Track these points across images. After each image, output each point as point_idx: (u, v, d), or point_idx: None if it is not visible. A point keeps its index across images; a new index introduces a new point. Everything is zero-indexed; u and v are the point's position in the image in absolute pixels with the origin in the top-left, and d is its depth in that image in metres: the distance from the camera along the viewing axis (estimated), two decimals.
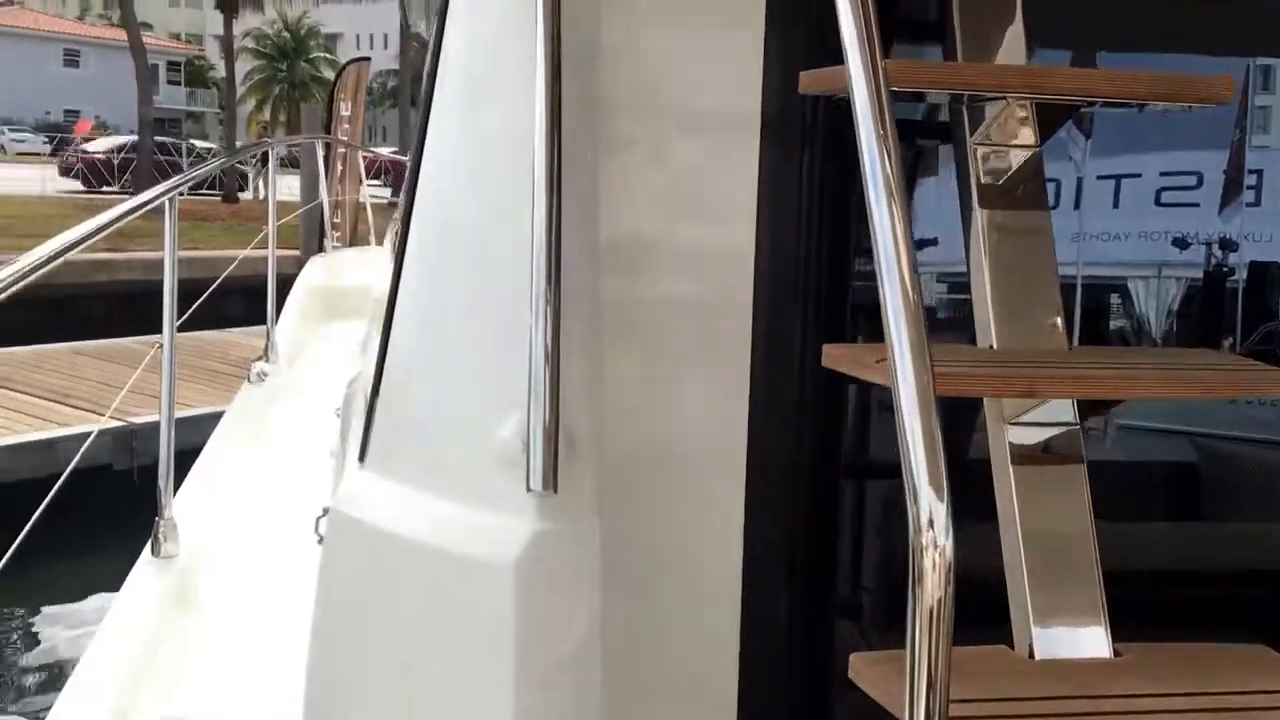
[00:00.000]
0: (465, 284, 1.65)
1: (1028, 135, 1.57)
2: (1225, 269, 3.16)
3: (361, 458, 1.67)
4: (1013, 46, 1.62)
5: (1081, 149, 2.84)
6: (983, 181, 1.55)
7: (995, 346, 1.51)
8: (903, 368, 1.06)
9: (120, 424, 8.27)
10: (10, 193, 24.57)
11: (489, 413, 1.49)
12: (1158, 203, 2.95)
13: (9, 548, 2.82)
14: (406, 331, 1.69)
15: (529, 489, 1.38)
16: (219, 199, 26.21)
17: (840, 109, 1.62)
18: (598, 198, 1.60)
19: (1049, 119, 1.59)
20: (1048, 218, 1.58)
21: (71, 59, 63.88)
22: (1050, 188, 3.04)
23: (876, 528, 1.98)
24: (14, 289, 1.75)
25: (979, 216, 1.54)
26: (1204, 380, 1.46)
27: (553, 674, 1.44)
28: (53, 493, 3.02)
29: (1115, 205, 2.98)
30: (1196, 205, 3.06)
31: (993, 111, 1.54)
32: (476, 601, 1.45)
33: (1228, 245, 3.07)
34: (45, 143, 43.02)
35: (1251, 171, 3.05)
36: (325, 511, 1.70)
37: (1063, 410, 1.48)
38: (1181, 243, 3.04)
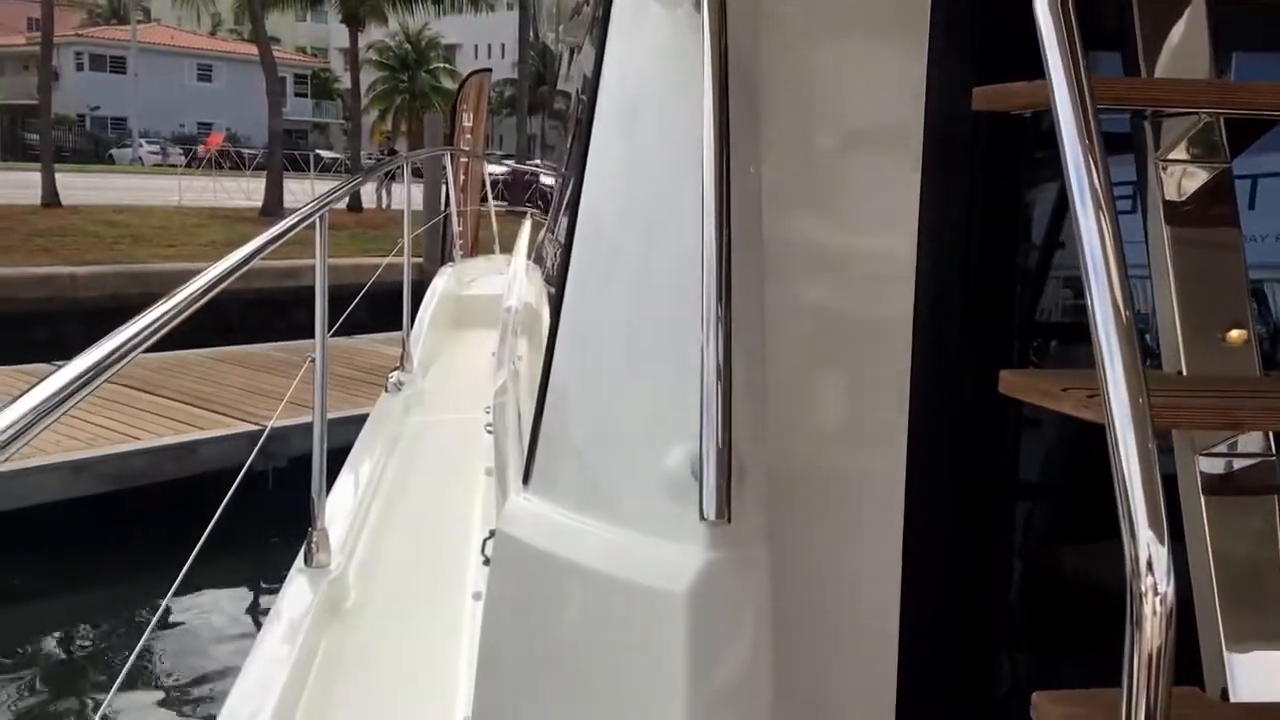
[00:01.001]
0: (628, 305, 1.63)
1: (1217, 150, 1.53)
2: None
3: (526, 480, 1.66)
4: (1198, 55, 1.57)
5: None
6: (1168, 199, 1.51)
7: (1185, 372, 1.47)
8: (1118, 400, 1.02)
9: (256, 427, 8.59)
10: (152, 203, 25.60)
11: (656, 437, 1.47)
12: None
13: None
14: (569, 353, 1.68)
15: (702, 517, 1.35)
16: (344, 208, 26.88)
17: (1005, 125, 1.61)
18: (762, 210, 1.59)
19: (1241, 133, 1.54)
20: (1239, 235, 1.53)
21: (204, 73, 66.19)
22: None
23: (1041, 557, 1.93)
24: (193, 309, 1.81)
25: (1165, 234, 1.50)
26: None
27: (723, 704, 1.42)
28: (230, 495, 3.11)
29: (1251, 206, 2.91)
30: None
31: (1181, 126, 1.50)
32: (648, 630, 1.42)
33: None
34: (181, 154, 44.63)
35: None
36: (492, 534, 1.68)
37: (1255, 440, 1.43)
38: None
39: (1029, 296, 1.88)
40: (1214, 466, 1.42)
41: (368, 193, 28.50)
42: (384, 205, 28.61)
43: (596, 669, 1.48)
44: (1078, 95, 1.12)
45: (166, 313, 1.70)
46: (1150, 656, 0.96)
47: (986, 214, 1.71)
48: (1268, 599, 1.40)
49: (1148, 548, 0.97)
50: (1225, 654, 1.36)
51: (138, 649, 3.09)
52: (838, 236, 1.68)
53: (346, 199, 27.00)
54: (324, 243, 3.15)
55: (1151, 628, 0.96)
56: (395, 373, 5.66)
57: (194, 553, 2.76)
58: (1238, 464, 1.43)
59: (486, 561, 1.71)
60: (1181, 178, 1.52)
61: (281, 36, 65.07)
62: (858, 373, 1.66)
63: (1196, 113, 1.47)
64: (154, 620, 3.06)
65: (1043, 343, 1.95)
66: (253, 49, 33.40)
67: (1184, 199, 1.51)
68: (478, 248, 11.88)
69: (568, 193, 1.85)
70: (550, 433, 1.66)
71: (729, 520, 1.35)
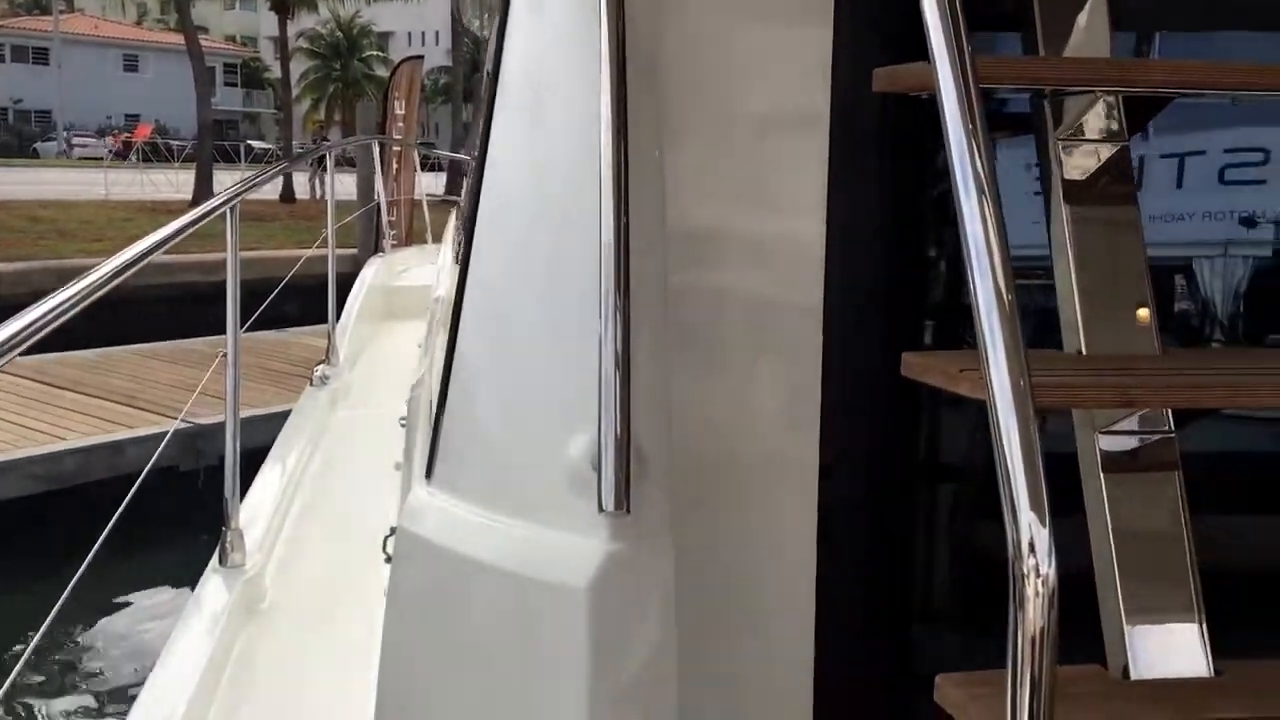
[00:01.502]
0: (532, 292, 1.60)
1: (1115, 128, 1.52)
2: None
3: (428, 474, 1.64)
4: (1096, 35, 1.57)
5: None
6: (1067, 177, 1.51)
7: (1084, 351, 1.47)
8: (999, 379, 1.01)
9: (187, 425, 8.43)
10: (77, 198, 25.07)
11: (559, 428, 1.45)
12: (1222, 180, 2.89)
13: (84, 547, 2.87)
14: (472, 343, 1.65)
15: (601, 509, 1.34)
16: (276, 199, 26.52)
17: (913, 108, 1.59)
18: (664, 198, 1.57)
19: (1138, 111, 1.53)
20: (1137, 213, 1.53)
21: (131, 64, 64.93)
22: None
23: (956, 539, 1.93)
24: (89, 301, 1.76)
25: (1064, 213, 1.50)
26: None
27: (626, 696, 1.42)
28: (131, 493, 3.05)
29: (1179, 185, 2.92)
30: (1263, 183, 3.00)
31: (1079, 106, 1.49)
32: (549, 625, 1.42)
33: None
34: (107, 149, 43.80)
35: None
36: (393, 531, 1.65)
37: (1157, 417, 1.43)
38: (1249, 222, 2.98)
39: (940, 279, 1.87)
40: (1114, 444, 1.42)
41: (301, 183, 28.13)
42: (318, 196, 28.26)
43: (500, 668, 1.46)
44: (960, 76, 1.10)
45: (56, 307, 1.63)
46: (1034, 638, 0.96)
47: (896, 197, 1.70)
48: (1169, 575, 1.40)
49: (1029, 529, 0.97)
50: (1126, 631, 1.37)
51: (31, 647, 3.01)
52: (746, 223, 1.66)
53: (279, 189, 26.62)
54: (235, 235, 3.10)
55: (1034, 609, 0.97)
56: (321, 366, 5.56)
57: (92, 551, 2.70)
58: (1138, 441, 1.43)
59: (389, 559, 1.67)
60: (1080, 157, 1.51)
61: (210, 25, 64.04)
62: (769, 359, 1.65)
63: (1092, 91, 1.46)
64: (48, 621, 2.97)
65: (953, 325, 1.94)
66: (180, 39, 32.85)
67: (1083, 178, 1.51)
68: (412, 237, 11.76)
69: (469, 178, 1.81)
70: (452, 425, 1.63)
71: (628, 511, 1.34)
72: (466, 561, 1.50)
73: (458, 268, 1.73)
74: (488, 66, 1.80)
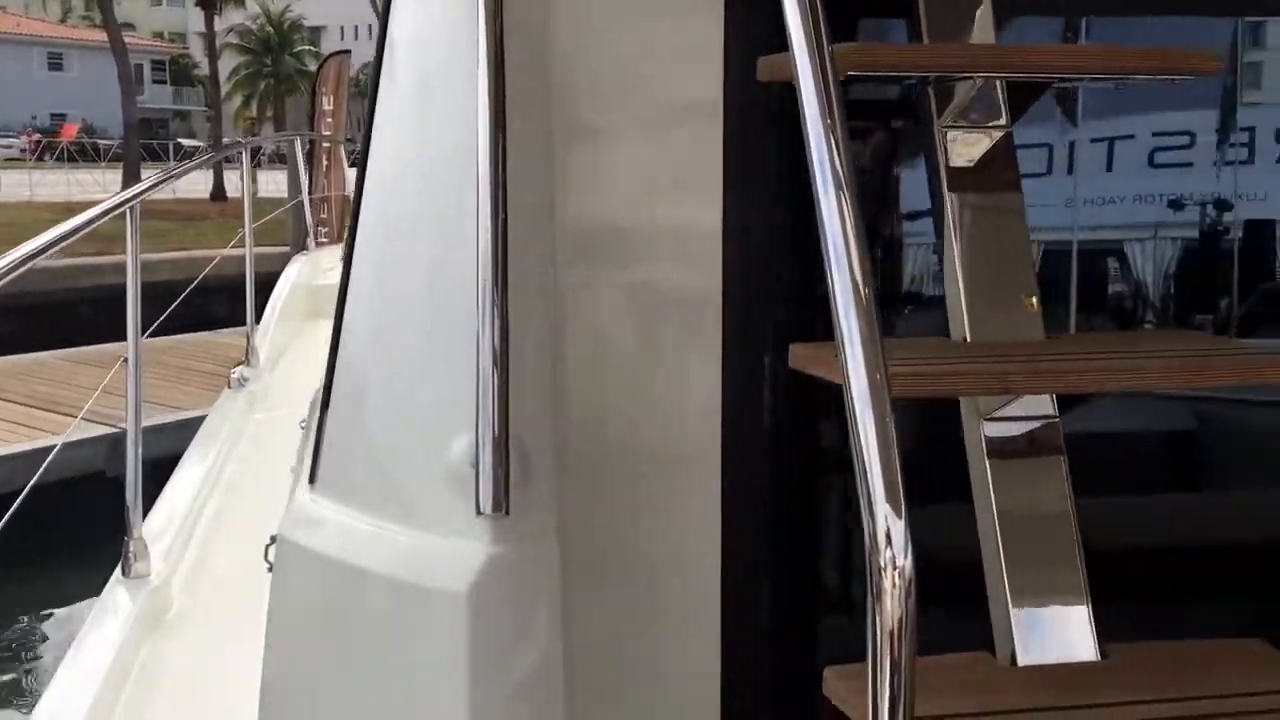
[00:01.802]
0: (416, 290, 1.57)
1: (998, 115, 1.51)
2: (1221, 229, 3.12)
3: (311, 479, 1.59)
4: (982, 21, 1.56)
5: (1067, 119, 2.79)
6: (952, 165, 1.50)
7: (969, 339, 1.46)
8: (854, 372, 1.00)
9: (116, 430, 8.25)
10: (3, 200, 24.53)
11: (441, 429, 1.41)
12: (1151, 164, 2.91)
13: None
14: (355, 342, 1.61)
15: (479, 512, 1.31)
16: (207, 197, 26.13)
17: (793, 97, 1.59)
18: (554, 192, 1.54)
19: (1021, 98, 1.52)
20: (1021, 200, 1.52)
21: (55, 62, 63.64)
22: (1042, 153, 3.01)
23: (861, 528, 1.94)
24: None
25: (949, 201, 1.49)
26: (1194, 367, 1.40)
27: (511, 700, 1.40)
28: (19, 500, 2.95)
29: (1109, 168, 2.93)
30: (1190, 165, 3.02)
31: (962, 93, 1.48)
32: (430, 631, 1.39)
33: (1222, 205, 3.03)
34: (23, 150, 42.87)
35: (1244, 129, 3.01)
36: (273, 539, 1.62)
37: (1041, 402, 1.43)
38: (1177, 204, 3.00)
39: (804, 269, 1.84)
40: (998, 431, 1.42)
41: (234, 181, 27.72)
42: (252, 194, 27.88)
43: (382, 677, 1.43)
44: (818, 68, 1.08)
45: None
46: (892, 631, 0.96)
47: (791, 187, 1.66)
48: (1054, 560, 1.41)
49: (885, 521, 0.97)
50: (1013, 617, 1.37)
51: None
52: (643, 215, 1.63)
53: (210, 187, 26.23)
54: (135, 236, 3.05)
55: (891, 601, 0.96)
56: (239, 368, 5.40)
57: None
58: (1022, 428, 1.43)
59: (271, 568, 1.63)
60: (964, 144, 1.51)
61: (137, 22, 62.97)
62: (670, 351, 1.63)
63: (970, 78, 1.44)
64: None
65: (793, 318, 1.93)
66: (106, 36, 32.20)
67: (966, 165, 1.50)
68: (344, 234, 11.60)
69: (356, 174, 1.76)
70: (336, 428, 1.59)
71: (507, 513, 1.31)
72: (346, 569, 1.47)
73: (342, 263, 1.68)
74: (374, 55, 1.74)
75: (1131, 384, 1.44)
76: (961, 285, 1.45)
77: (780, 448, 1.68)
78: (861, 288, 1.03)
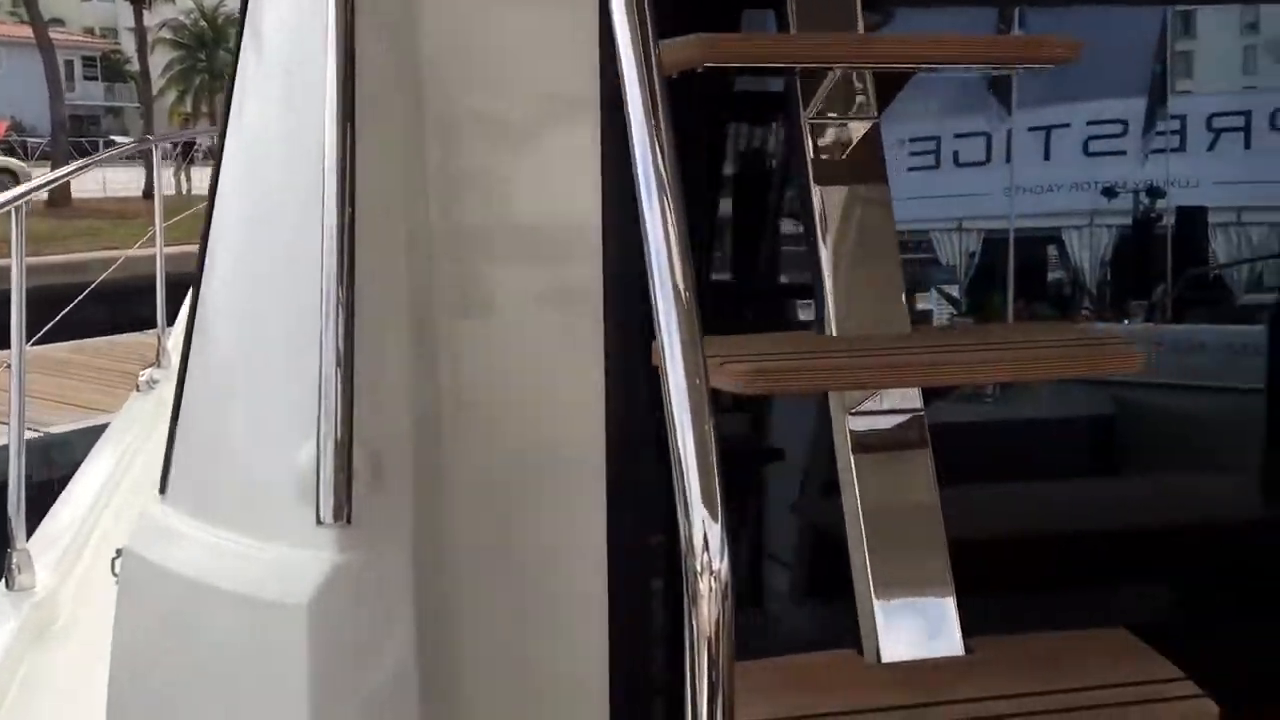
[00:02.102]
0: (266, 290, 1.50)
1: (865, 106, 1.49)
2: (1154, 216, 3.19)
3: (162, 490, 1.54)
4: (848, 12, 1.55)
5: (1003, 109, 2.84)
6: (819, 157, 1.48)
7: (834, 333, 1.45)
8: (674, 374, 0.99)
9: (38, 435, 8.09)
10: None
11: (289, 435, 1.35)
12: (1086, 152, 2.97)
13: None
14: (207, 344, 1.55)
15: (319, 521, 1.26)
16: (139, 195, 25.72)
17: (686, 88, 1.53)
18: (423, 187, 1.50)
19: (886, 89, 1.51)
20: (887, 192, 1.50)
21: None
22: (980, 141, 3.06)
23: (752, 522, 1.93)
24: None
25: (816, 195, 1.46)
26: (1043, 359, 1.37)
27: (359, 716, 1.35)
28: None
29: (1046, 157, 2.99)
30: (1124, 153, 3.08)
31: (828, 84, 1.46)
32: (270, 648, 1.34)
33: (1155, 193, 3.10)
34: None
35: (1175, 117, 3.07)
36: (119, 552, 1.55)
37: (907, 396, 1.42)
38: (1110, 192, 3.06)
39: (722, 262, 1.87)
40: (863, 425, 1.41)
41: (166, 179, 27.29)
42: (184, 191, 27.49)
43: (228, 693, 1.38)
44: (643, 68, 1.05)
45: None
46: (709, 638, 0.94)
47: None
48: (919, 555, 1.39)
49: (701, 525, 0.95)
50: (878, 614, 1.35)
51: None
52: (522, 212, 1.60)
53: (142, 185, 25.80)
54: (21, 237, 2.94)
55: (708, 605, 0.94)
56: (149, 370, 5.17)
57: None
58: (887, 421, 1.41)
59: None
60: (830, 136, 1.49)
61: (67, 18, 61.73)
62: (552, 350, 1.59)
63: (829, 68, 1.43)
64: None
65: (730, 309, 1.94)
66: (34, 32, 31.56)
67: (833, 158, 1.49)
68: None
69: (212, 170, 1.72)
70: (186, 436, 1.54)
71: (348, 522, 1.27)
72: (189, 583, 1.42)
73: (195, 264, 1.61)
74: (234, 38, 1.70)
75: (986, 378, 1.45)
76: (828, 278, 1.44)
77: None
78: (682, 291, 1.02)
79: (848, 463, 1.39)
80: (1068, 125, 2.85)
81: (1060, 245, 3.44)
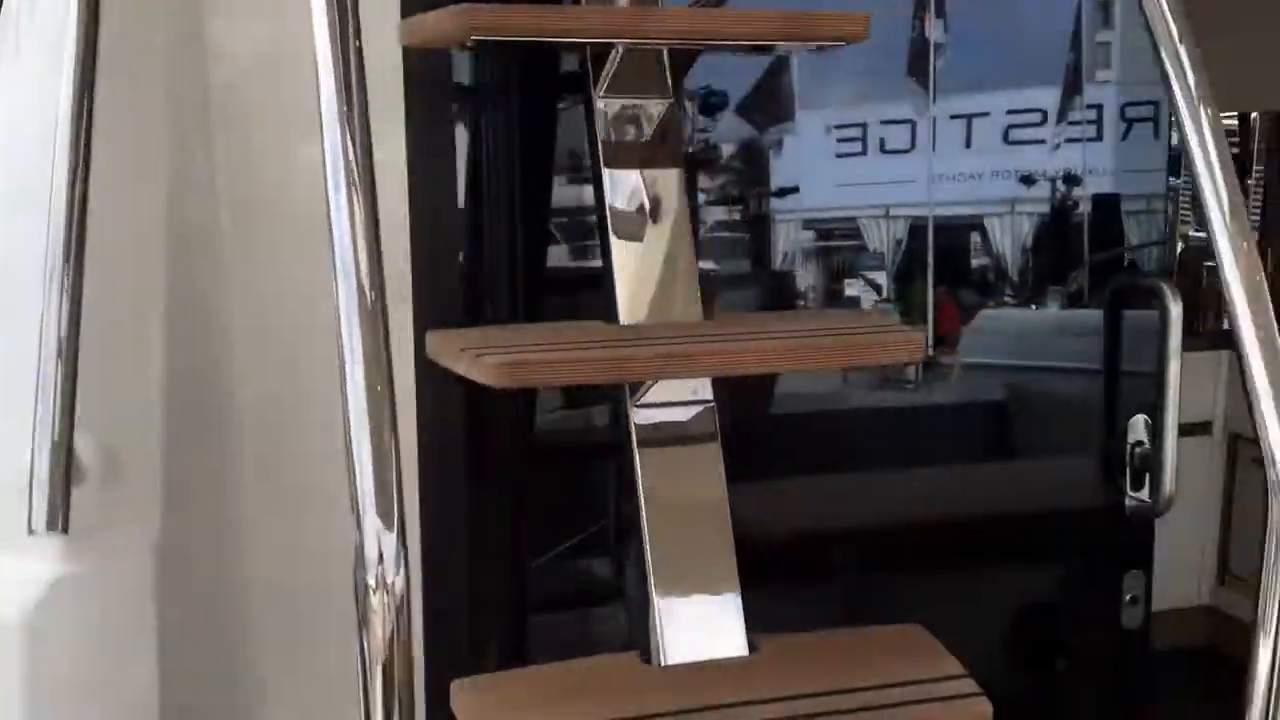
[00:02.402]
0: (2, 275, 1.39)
1: (659, 86, 1.42)
2: (1071, 204, 3.28)
3: None
4: None
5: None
6: (609, 139, 1.40)
7: (623, 321, 1.38)
8: (353, 379, 0.94)
9: None
10: None
11: (12, 437, 1.24)
12: (1006, 141, 3.04)
13: None
14: None
15: (30, 530, 1.16)
16: None
17: (503, 66, 1.52)
18: (210, 176, 1.41)
19: (675, 67, 1.44)
20: (680, 176, 1.43)
21: None
22: (904, 129, 3.13)
23: (566, 522, 1.88)
24: None
25: (606, 178, 1.39)
26: (818, 348, 1.30)
27: None
28: None
29: (968, 145, 3.06)
30: (1042, 142, 3.17)
31: (612, 61, 1.38)
32: None
33: (1072, 180, 3.19)
34: None
35: (1091, 106, 3.16)
36: None
37: (696, 387, 1.36)
38: (1029, 179, 3.14)
39: (533, 249, 1.78)
40: (648, 417, 1.34)
41: None
42: None
43: None
44: (338, 43, 0.98)
45: None
46: (385, 661, 0.89)
47: (477, 162, 1.63)
48: (703, 553, 1.32)
49: (376, 537, 0.90)
50: (659, 614, 1.28)
51: None
52: (314, 201, 1.55)
53: None
54: None
55: (381, 626, 0.88)
56: None
57: None
58: (675, 414, 1.35)
59: None
60: (620, 116, 1.41)
61: None
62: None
63: (612, 44, 1.36)
64: None
65: (541, 297, 1.86)
66: None
67: (624, 139, 1.41)
68: None
69: None
70: None
71: (64, 530, 1.17)
72: None
73: None
74: None
75: (762, 367, 1.38)
76: (616, 265, 1.37)
77: (478, 437, 1.61)
78: (367, 292, 0.96)
79: (633, 457, 1.32)
80: (988, 114, 2.93)
81: (983, 232, 3.53)
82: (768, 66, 2.75)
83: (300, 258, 1.50)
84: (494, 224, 1.67)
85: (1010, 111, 3.07)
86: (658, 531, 1.30)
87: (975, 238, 3.42)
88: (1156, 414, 2.23)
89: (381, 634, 0.88)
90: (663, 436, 1.33)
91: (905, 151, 2.94)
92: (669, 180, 1.42)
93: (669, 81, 1.42)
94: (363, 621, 0.89)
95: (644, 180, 1.41)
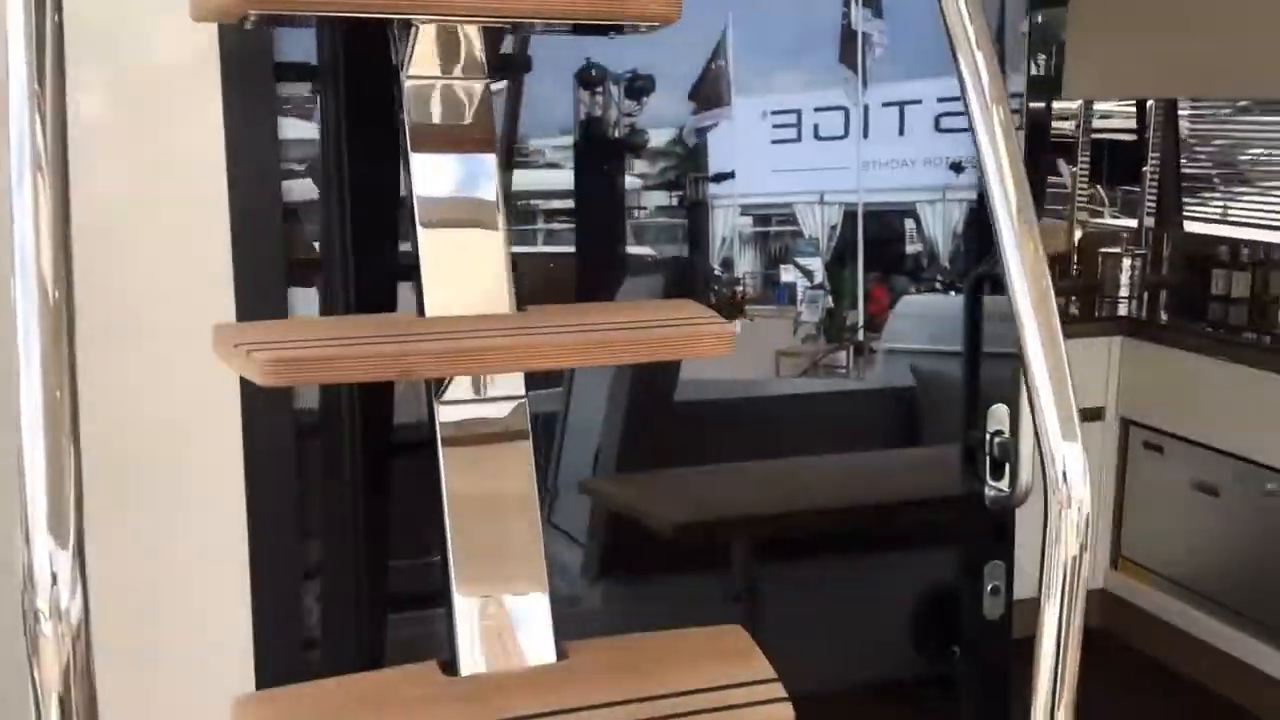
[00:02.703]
0: None
1: (467, 64, 1.33)
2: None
3: None
4: None
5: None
6: (418, 121, 1.31)
7: (427, 313, 1.30)
8: (28, 376, 0.85)
9: None
10: None
11: None
12: (938, 128, 3.10)
13: None
14: None
15: None
16: None
17: (336, 44, 1.46)
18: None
19: (488, 45, 1.36)
20: (493, 162, 1.35)
21: None
22: (838, 116, 3.18)
23: (408, 522, 1.82)
24: None
25: (414, 163, 1.31)
26: (619, 342, 1.25)
27: None
28: None
29: (901, 132, 3.12)
30: (971, 130, 3.24)
31: (419, 38, 1.30)
32: None
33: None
34: None
35: (1015, 95, 3.24)
36: None
37: (507, 382, 1.29)
38: (957, 167, 3.21)
39: (375, 236, 1.70)
40: (453, 415, 1.26)
41: None
42: None
43: None
44: (32, 4, 0.88)
45: None
46: (56, 686, 0.81)
47: (306, 146, 1.60)
48: (510, 556, 1.26)
49: (47, 556, 0.81)
50: (460, 620, 1.22)
51: None
52: (143, 190, 1.46)
53: None
54: None
55: (54, 656, 0.80)
56: None
57: None
58: (483, 410, 1.28)
59: None
60: (430, 97, 1.33)
61: None
62: (184, 342, 1.40)
63: (409, 19, 1.28)
64: None
65: (392, 288, 1.77)
66: None
67: (433, 121, 1.33)
68: None
69: None
70: None
71: None
72: None
73: None
74: None
75: (561, 362, 1.32)
76: (423, 255, 1.29)
77: (310, 440, 1.56)
78: (49, 289, 0.88)
79: (438, 458, 1.25)
80: (919, 102, 2.99)
81: (916, 219, 3.60)
82: (710, 52, 2.79)
83: (131, 256, 1.45)
84: (326, 211, 1.59)
85: (941, 99, 3.13)
86: (461, 533, 1.23)
87: (909, 224, 3.49)
88: (1014, 404, 2.20)
89: (56, 665, 0.80)
90: (468, 435, 1.26)
91: (839, 138, 3.00)
92: (481, 165, 1.34)
93: (481, 59, 1.33)
94: (31, 652, 0.80)
95: (454, 165, 1.32)
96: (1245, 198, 4.49)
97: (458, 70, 1.31)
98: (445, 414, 1.24)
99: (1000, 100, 1.22)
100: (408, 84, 1.30)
